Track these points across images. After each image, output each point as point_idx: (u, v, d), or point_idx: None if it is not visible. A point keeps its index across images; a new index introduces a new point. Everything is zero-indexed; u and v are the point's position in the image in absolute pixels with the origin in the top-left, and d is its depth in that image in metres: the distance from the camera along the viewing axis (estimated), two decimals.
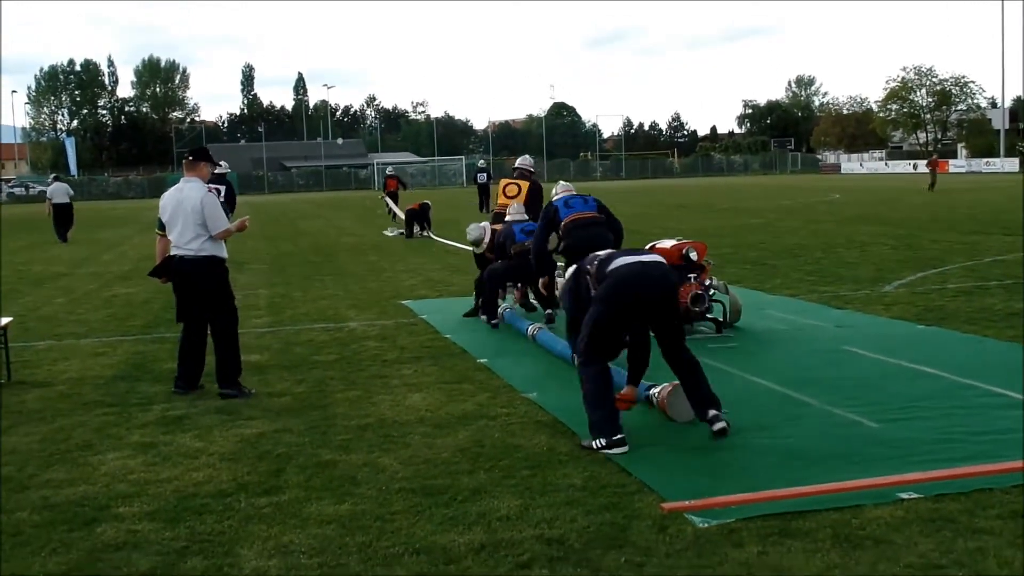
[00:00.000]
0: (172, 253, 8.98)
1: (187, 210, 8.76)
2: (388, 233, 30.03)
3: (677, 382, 7.63)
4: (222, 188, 17.08)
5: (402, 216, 29.62)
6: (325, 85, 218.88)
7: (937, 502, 5.55)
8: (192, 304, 8.97)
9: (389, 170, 45.47)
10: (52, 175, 45.10)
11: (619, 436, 6.74)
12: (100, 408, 8.51)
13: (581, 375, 7.16)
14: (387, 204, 35.40)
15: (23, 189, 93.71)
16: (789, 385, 8.47)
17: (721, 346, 10.37)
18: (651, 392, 7.85)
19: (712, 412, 7.10)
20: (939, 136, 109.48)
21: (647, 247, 11.27)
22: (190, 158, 9.19)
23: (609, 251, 7.79)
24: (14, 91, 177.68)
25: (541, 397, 8.31)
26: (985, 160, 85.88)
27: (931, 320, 11.47)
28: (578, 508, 5.64)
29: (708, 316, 11.07)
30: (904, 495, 5.66)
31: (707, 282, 11.06)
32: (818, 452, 6.60)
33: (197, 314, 8.97)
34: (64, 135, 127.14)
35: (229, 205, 20.51)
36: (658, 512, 5.54)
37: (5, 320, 10.22)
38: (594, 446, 6.73)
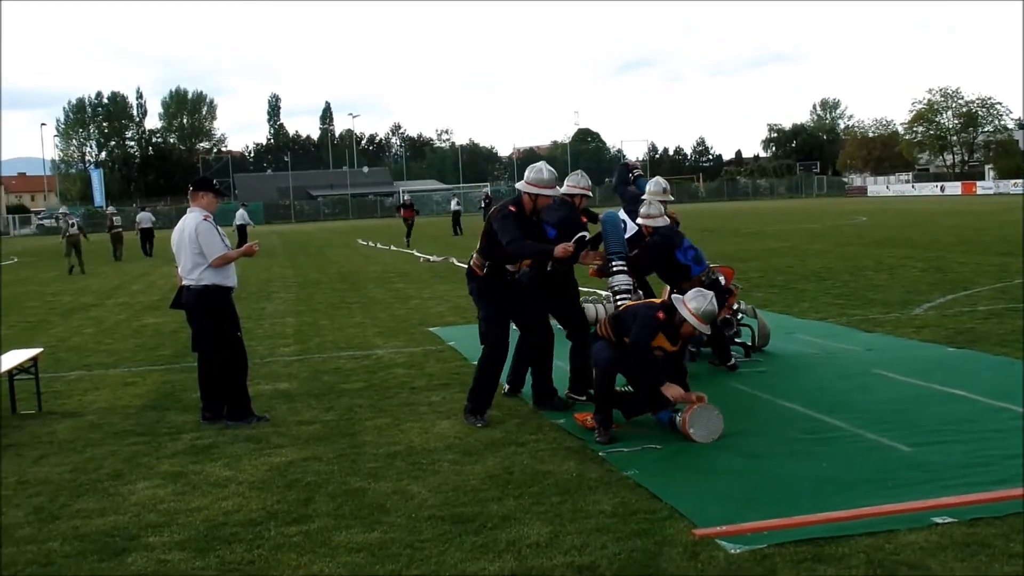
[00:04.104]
0: (182, 283, 9.04)
1: (186, 241, 8.82)
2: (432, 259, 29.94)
3: (699, 404, 7.67)
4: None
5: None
6: (351, 114, 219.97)
7: (972, 527, 5.48)
8: (201, 334, 8.97)
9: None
10: (142, 206, 62.25)
11: None
12: (130, 438, 8.54)
13: None
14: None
15: (53, 220, 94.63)
16: (820, 409, 8.40)
17: (750, 370, 10.31)
18: (674, 414, 7.83)
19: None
20: (966, 158, 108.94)
21: None
22: (191, 188, 9.23)
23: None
24: (43, 124, 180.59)
25: (569, 423, 8.28)
26: (1013, 181, 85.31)
27: (962, 343, 11.37)
28: (609, 535, 5.61)
29: (737, 341, 11.02)
30: (938, 520, 5.60)
31: (735, 306, 11.01)
32: (850, 477, 6.54)
33: (209, 345, 8.97)
34: (92, 166, 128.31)
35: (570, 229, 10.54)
36: (690, 538, 5.50)
37: (36, 351, 10.30)
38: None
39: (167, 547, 5.75)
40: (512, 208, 8.47)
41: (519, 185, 8.58)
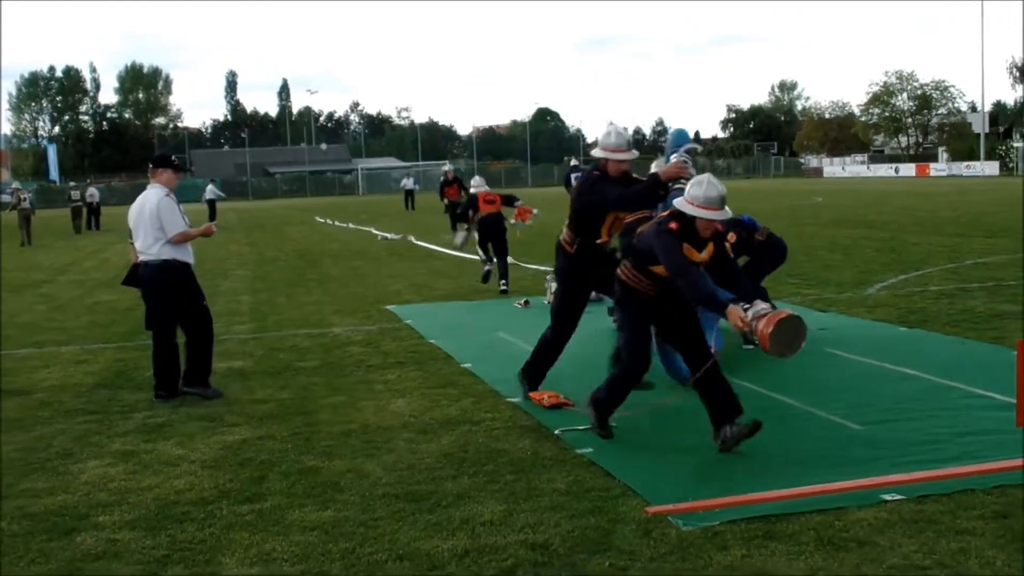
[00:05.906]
0: (138, 260, 8.98)
1: (146, 216, 8.79)
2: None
3: (784, 313, 6.47)
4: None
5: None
6: (309, 91, 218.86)
7: (920, 503, 5.56)
8: (158, 310, 8.92)
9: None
10: (88, 180, 66.10)
11: None
12: (81, 416, 8.45)
13: None
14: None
15: (9, 195, 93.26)
16: (772, 387, 8.47)
17: None
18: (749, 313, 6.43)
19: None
20: (920, 140, 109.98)
21: None
22: (151, 165, 9.21)
23: None
24: None
25: (525, 402, 8.28)
26: (966, 164, 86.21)
27: (913, 322, 11.49)
28: (562, 513, 5.63)
29: None
30: (887, 497, 5.67)
31: None
32: (802, 454, 6.60)
33: (167, 320, 8.93)
34: (45, 141, 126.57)
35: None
36: (642, 516, 5.53)
37: None
38: None
39: (117, 526, 5.70)
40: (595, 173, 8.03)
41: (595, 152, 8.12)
